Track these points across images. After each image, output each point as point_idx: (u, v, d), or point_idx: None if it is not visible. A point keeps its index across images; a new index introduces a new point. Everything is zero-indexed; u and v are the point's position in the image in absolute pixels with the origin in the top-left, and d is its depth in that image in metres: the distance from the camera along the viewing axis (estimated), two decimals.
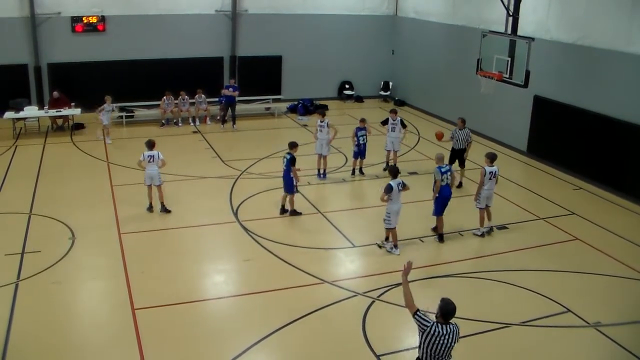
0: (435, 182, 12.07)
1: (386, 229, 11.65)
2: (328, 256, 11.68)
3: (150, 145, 13.01)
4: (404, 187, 11.46)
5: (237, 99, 22.39)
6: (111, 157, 16.93)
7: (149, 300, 9.69)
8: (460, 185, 15.14)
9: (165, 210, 13.19)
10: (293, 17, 23.73)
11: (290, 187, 12.99)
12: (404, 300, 6.52)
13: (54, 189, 14.49)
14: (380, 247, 11.85)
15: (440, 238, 12.23)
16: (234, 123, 20.68)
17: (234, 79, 21.50)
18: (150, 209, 13.21)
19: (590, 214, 13.87)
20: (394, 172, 11.60)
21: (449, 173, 12.14)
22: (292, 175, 12.80)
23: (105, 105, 18.55)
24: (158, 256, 11.34)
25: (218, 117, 21.03)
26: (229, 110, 20.62)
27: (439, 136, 15.52)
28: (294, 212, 13.22)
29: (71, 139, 18.89)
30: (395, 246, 11.67)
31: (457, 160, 15.25)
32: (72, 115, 19.63)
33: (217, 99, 20.98)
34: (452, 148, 15.29)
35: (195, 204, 13.81)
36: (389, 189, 11.22)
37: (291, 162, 12.77)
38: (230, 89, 20.39)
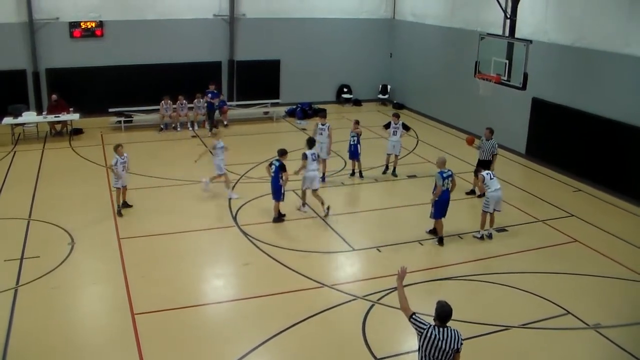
0: (436, 186, 11.95)
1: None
2: (327, 260, 11.67)
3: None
4: (318, 157, 13.80)
5: (235, 103, 22.44)
6: (110, 162, 16.87)
7: (149, 305, 9.68)
8: (475, 192, 15.08)
9: (124, 205, 13.49)
10: (291, 21, 23.76)
11: (278, 194, 13.01)
12: (400, 304, 6.56)
13: (52, 194, 14.47)
14: (299, 210, 13.57)
15: (440, 241, 12.20)
16: (210, 129, 20.17)
17: (213, 85, 20.78)
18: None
19: (589, 216, 13.88)
20: (310, 143, 13.84)
21: (450, 178, 12.00)
22: (280, 184, 12.82)
23: (216, 142, 14.77)
24: (157, 261, 11.32)
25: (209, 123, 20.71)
26: (212, 115, 20.38)
27: (470, 141, 15.38)
28: (278, 219, 13.18)
29: (70, 144, 18.88)
30: (303, 205, 13.59)
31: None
32: (71, 121, 19.61)
33: (214, 102, 20.98)
34: (478, 159, 14.89)
35: (194, 208, 13.80)
36: (304, 157, 13.27)
37: (281, 168, 12.79)
38: (209, 95, 20.11)
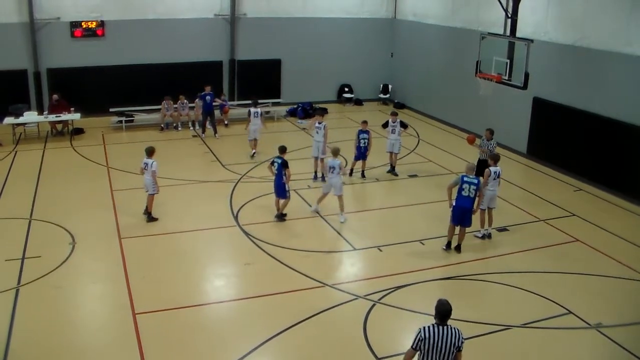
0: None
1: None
2: (329, 259, 11.67)
3: (146, 152, 12.80)
4: (259, 114, 17.19)
5: (236, 103, 22.42)
6: (111, 162, 16.93)
7: (150, 305, 9.68)
8: None
9: (150, 219, 12.92)
10: (292, 20, 23.77)
11: (282, 192, 12.99)
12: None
13: (54, 194, 14.47)
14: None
15: (448, 246, 11.92)
16: (215, 132, 20.07)
17: (209, 86, 19.92)
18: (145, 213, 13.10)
19: (590, 216, 13.86)
20: (254, 103, 17.59)
21: (472, 186, 11.35)
22: (283, 181, 12.78)
23: (331, 160, 13.16)
24: (158, 260, 11.32)
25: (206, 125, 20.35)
26: (209, 118, 19.94)
27: (471, 140, 15.24)
28: (280, 217, 13.14)
29: (71, 143, 18.88)
30: (253, 154, 16.79)
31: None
32: (72, 120, 19.60)
33: (217, 104, 20.94)
34: (478, 159, 14.66)
35: (195, 208, 13.80)
36: (248, 114, 17.17)
37: (283, 165, 12.77)
38: (208, 97, 19.59)
